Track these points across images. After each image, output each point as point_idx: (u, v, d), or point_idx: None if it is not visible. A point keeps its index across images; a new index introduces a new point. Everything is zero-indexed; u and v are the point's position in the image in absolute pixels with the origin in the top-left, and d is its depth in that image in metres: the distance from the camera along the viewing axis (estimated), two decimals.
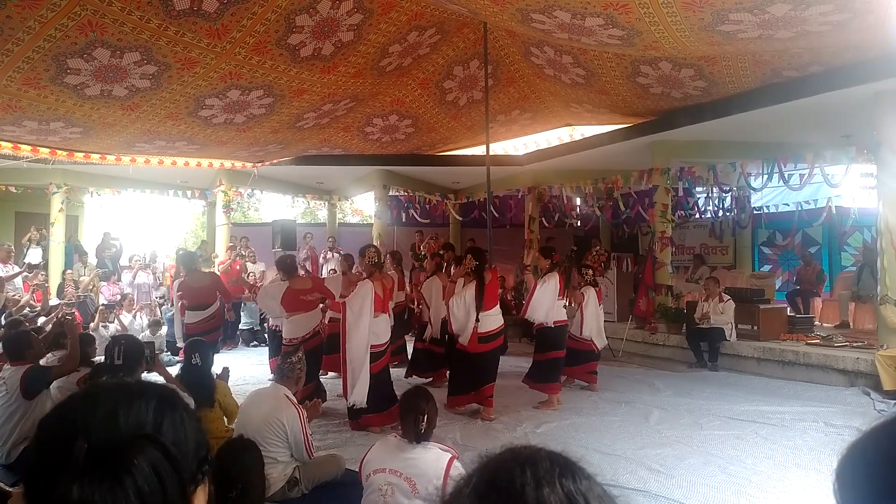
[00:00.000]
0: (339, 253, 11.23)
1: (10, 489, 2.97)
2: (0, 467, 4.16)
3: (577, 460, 0.69)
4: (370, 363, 5.39)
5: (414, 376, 7.59)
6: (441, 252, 8.28)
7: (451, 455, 2.93)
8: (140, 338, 9.26)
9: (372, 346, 5.42)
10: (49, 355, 4.93)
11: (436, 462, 2.88)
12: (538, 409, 6.30)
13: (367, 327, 5.37)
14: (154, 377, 4.68)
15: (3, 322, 7.91)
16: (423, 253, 11.38)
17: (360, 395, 5.31)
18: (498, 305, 6.12)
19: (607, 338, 9.49)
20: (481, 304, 5.85)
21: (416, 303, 8.75)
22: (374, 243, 6.10)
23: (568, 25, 6.49)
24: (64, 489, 0.68)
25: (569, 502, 0.63)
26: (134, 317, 9.88)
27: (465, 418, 5.92)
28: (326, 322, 6.76)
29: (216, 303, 7.33)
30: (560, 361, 6.61)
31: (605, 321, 9.97)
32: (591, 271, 7.65)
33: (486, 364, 5.96)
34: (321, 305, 6.46)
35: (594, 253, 11.97)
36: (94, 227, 17.10)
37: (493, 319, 6.00)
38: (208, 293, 7.27)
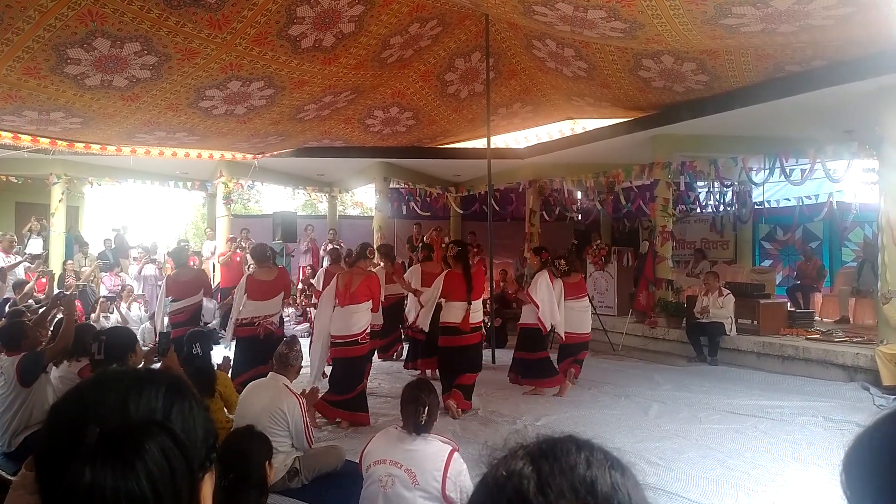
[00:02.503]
0: (340, 245, 11.23)
1: (12, 478, 2.97)
2: (1, 455, 4.17)
3: (629, 464, 0.72)
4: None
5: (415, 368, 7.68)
6: (429, 243, 8.44)
7: (451, 448, 2.93)
8: (141, 329, 9.32)
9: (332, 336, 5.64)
10: (65, 363, 4.87)
11: (436, 455, 2.88)
12: (537, 397, 6.44)
13: (327, 318, 5.64)
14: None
15: (7, 311, 7.92)
16: (419, 246, 11.38)
17: (314, 376, 5.70)
18: (481, 301, 6.16)
19: (607, 332, 9.54)
20: (471, 290, 5.91)
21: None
22: (369, 241, 6.19)
23: (570, 18, 6.47)
24: (76, 473, 0.69)
25: (613, 490, 0.66)
26: (129, 307, 9.89)
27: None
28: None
29: (196, 296, 7.42)
30: (544, 361, 6.70)
31: (605, 315, 10.07)
32: (562, 261, 7.44)
33: (470, 357, 5.99)
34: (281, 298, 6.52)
35: (594, 247, 11.96)
36: (95, 218, 17.11)
37: (477, 314, 6.05)
38: (192, 288, 7.35)
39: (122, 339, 3.87)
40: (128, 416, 0.74)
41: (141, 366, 4.33)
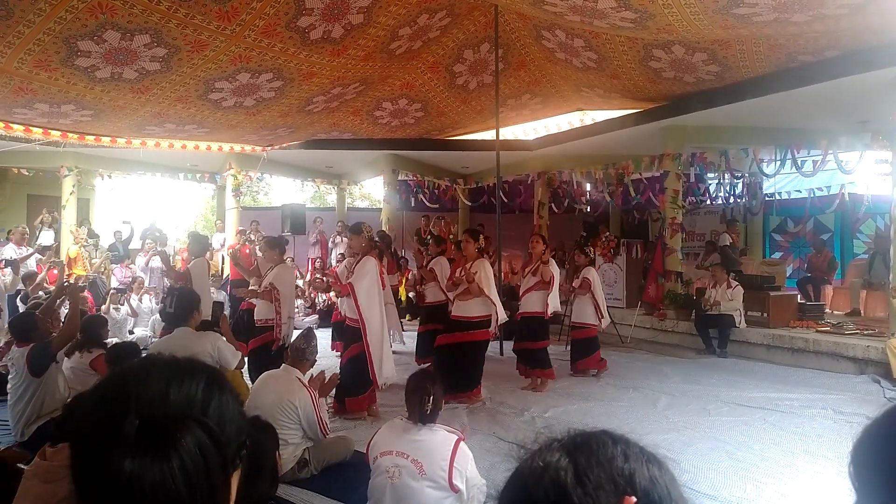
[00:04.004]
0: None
1: (24, 466, 3.01)
2: (14, 445, 4.22)
3: (664, 459, 0.72)
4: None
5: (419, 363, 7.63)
6: (440, 237, 8.36)
7: (457, 437, 2.93)
8: (151, 321, 9.39)
9: None
10: (76, 354, 4.94)
11: (442, 444, 2.89)
12: (539, 394, 6.32)
13: (381, 304, 5.30)
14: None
15: (20, 304, 8.01)
16: (428, 238, 11.39)
17: (389, 372, 5.30)
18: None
19: (616, 324, 9.52)
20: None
21: (416, 285, 8.75)
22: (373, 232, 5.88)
23: (580, 8, 6.42)
24: (116, 463, 0.69)
25: (652, 484, 0.67)
26: (140, 300, 9.95)
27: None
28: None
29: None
30: (539, 352, 6.62)
31: (614, 307, 10.04)
32: (592, 249, 7.48)
33: (477, 354, 5.99)
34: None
35: (603, 239, 11.93)
36: (105, 210, 17.20)
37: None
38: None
39: (191, 296, 4.49)
40: (167, 406, 0.74)
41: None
